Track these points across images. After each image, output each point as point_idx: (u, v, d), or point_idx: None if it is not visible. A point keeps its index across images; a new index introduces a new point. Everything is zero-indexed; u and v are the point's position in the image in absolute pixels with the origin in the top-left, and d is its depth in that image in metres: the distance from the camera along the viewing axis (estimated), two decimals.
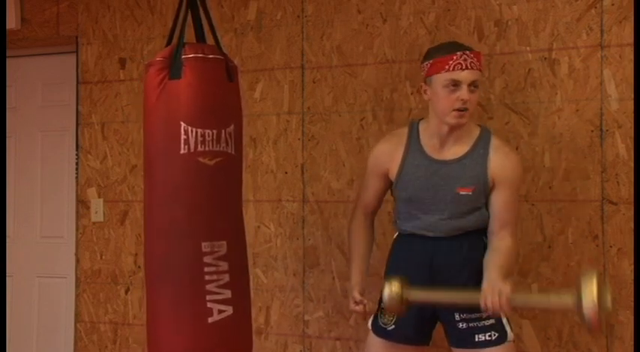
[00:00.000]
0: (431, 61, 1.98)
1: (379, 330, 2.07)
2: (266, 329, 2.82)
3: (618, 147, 2.38)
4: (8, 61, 2.97)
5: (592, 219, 2.41)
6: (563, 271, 2.44)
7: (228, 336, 2.04)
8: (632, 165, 2.34)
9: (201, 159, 2.03)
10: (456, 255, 1.99)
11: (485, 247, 2.01)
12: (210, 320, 2.00)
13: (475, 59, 1.95)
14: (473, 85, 1.94)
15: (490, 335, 1.95)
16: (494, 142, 2.01)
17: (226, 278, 2.03)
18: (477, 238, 2.02)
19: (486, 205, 2.00)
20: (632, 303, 2.32)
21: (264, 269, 2.83)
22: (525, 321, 2.46)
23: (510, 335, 1.98)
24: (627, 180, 2.36)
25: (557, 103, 2.45)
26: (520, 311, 1.88)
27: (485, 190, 1.98)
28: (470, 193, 1.97)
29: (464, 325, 1.97)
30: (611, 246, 2.39)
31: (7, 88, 3.12)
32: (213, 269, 2.02)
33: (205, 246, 2.02)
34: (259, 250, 2.84)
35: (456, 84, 1.93)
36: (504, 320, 1.98)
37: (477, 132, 2.02)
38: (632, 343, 2.34)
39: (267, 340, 2.81)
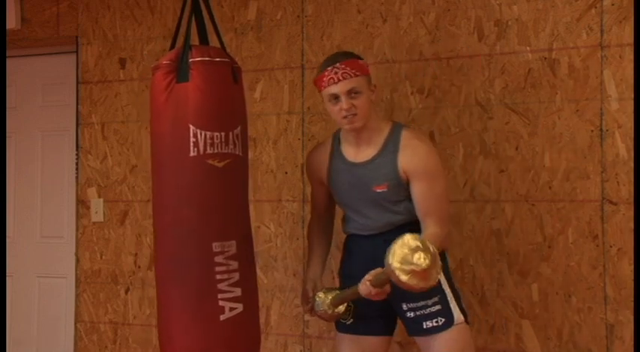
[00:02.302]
0: (315, 79, 2.11)
1: (341, 326, 2.17)
2: (266, 329, 2.82)
3: (618, 147, 2.38)
4: (8, 61, 2.97)
5: (592, 219, 2.41)
6: (563, 271, 2.44)
7: (239, 333, 2.09)
8: (632, 165, 2.34)
9: (210, 162, 2.07)
10: None
11: None
12: (222, 317, 2.05)
13: (348, 68, 2.04)
14: (353, 92, 2.03)
15: (437, 321, 2.02)
16: (404, 136, 2.08)
17: (236, 276, 2.08)
18: (412, 230, 2.02)
19: (409, 198, 2.08)
20: (632, 303, 2.32)
21: (265, 269, 2.83)
22: (525, 321, 2.47)
23: (458, 317, 2.04)
24: (627, 180, 2.36)
25: (557, 103, 2.45)
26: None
27: (400, 185, 2.07)
28: (385, 190, 2.06)
29: (412, 314, 2.04)
30: (611, 246, 2.39)
31: (7, 88, 3.12)
32: (224, 268, 2.06)
33: (216, 246, 2.06)
34: (259, 250, 2.83)
35: (335, 97, 2.04)
36: (452, 305, 2.04)
37: (387, 129, 2.11)
38: (632, 343, 2.34)
39: (267, 340, 2.81)
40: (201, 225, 2.06)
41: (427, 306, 2.02)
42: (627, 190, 2.36)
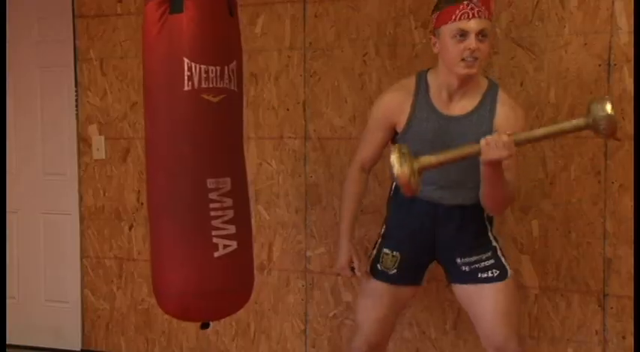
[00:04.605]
0: (438, 12, 1.96)
1: (380, 275, 2.11)
2: (268, 264, 2.87)
3: (625, 82, 2.34)
4: None
5: (595, 156, 2.40)
6: (564, 207, 2.45)
7: (234, 270, 2.09)
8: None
9: (205, 96, 2.01)
10: (455, 219, 2.02)
11: (486, 217, 2.05)
12: (216, 254, 2.03)
13: (483, 7, 1.91)
14: (481, 34, 1.90)
15: (492, 273, 2.04)
16: (502, 96, 2.01)
17: (231, 213, 2.05)
18: (479, 208, 2.01)
19: None
20: (631, 238, 2.35)
21: (267, 206, 2.85)
22: (525, 256, 2.50)
23: (510, 272, 2.06)
24: (632, 115, 2.34)
25: (565, 37, 2.40)
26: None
27: None
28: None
29: (467, 268, 2.05)
30: (612, 182, 2.39)
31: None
32: (218, 205, 2.04)
33: (210, 183, 2.03)
34: (261, 187, 2.85)
35: (463, 34, 1.90)
36: (503, 261, 2.06)
37: (484, 85, 2.01)
38: (628, 276, 2.38)
39: (270, 275, 2.86)
40: (195, 160, 2.02)
41: (481, 260, 2.03)
42: (631, 126, 2.34)
